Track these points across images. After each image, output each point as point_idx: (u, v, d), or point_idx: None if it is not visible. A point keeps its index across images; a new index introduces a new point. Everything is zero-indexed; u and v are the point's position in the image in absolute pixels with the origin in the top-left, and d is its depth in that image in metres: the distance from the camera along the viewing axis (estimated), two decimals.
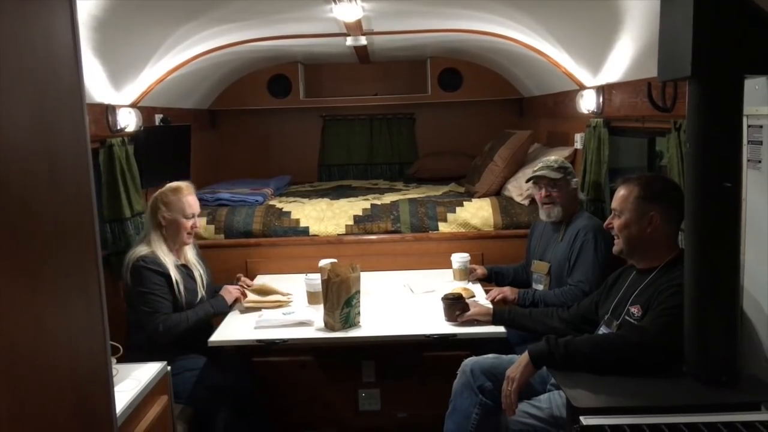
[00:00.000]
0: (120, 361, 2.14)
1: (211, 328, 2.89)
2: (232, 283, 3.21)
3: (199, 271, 3.00)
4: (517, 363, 2.15)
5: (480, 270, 3.39)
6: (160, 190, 2.96)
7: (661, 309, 2.05)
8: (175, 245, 2.93)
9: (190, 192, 2.96)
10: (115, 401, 1.23)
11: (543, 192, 3.08)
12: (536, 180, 3.12)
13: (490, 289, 3.19)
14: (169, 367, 2.25)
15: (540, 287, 3.13)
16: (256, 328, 2.81)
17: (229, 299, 3.03)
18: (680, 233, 2.27)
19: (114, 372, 1.98)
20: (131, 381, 2.06)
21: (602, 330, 2.32)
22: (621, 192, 2.29)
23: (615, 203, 2.30)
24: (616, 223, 2.28)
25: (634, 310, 2.19)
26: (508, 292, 3.11)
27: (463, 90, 5.38)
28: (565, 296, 2.90)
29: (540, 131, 4.59)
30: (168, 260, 2.83)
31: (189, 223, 2.92)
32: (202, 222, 3.12)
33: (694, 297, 1.85)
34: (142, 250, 2.82)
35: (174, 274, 2.81)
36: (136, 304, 2.77)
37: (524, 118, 5.46)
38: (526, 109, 5.42)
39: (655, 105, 2.48)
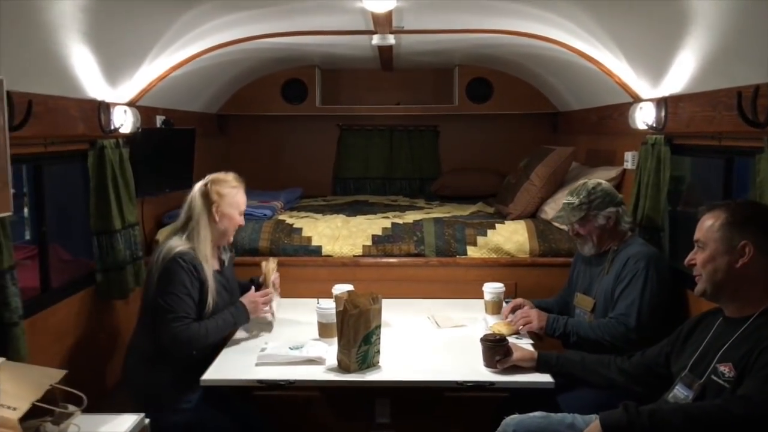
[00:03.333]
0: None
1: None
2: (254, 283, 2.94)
3: (231, 282, 2.80)
4: None
5: (536, 324, 2.74)
6: (210, 179, 2.67)
7: (767, 373, 1.63)
8: (214, 246, 2.67)
9: (242, 187, 2.74)
10: None
11: (571, 230, 2.84)
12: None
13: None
14: (147, 420, 1.84)
15: (586, 322, 2.75)
16: (257, 364, 2.47)
17: (253, 311, 2.70)
18: None
19: (74, 430, 1.57)
20: None
21: (679, 390, 1.93)
22: (706, 221, 1.92)
23: (698, 234, 1.94)
24: (699, 257, 1.91)
25: (725, 369, 1.80)
26: (535, 319, 2.72)
27: (492, 102, 5.15)
28: (603, 330, 2.57)
29: (579, 149, 4.24)
30: (208, 265, 2.57)
31: (241, 219, 2.72)
32: None
33: None
34: (181, 244, 2.53)
35: (210, 281, 2.56)
36: (158, 303, 2.47)
37: (559, 134, 5.19)
38: (562, 125, 5.14)
39: (746, 119, 2.08)
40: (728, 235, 1.84)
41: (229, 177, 2.71)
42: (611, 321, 2.57)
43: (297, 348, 2.53)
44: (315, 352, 2.51)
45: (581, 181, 2.88)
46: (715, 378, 1.81)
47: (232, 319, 2.63)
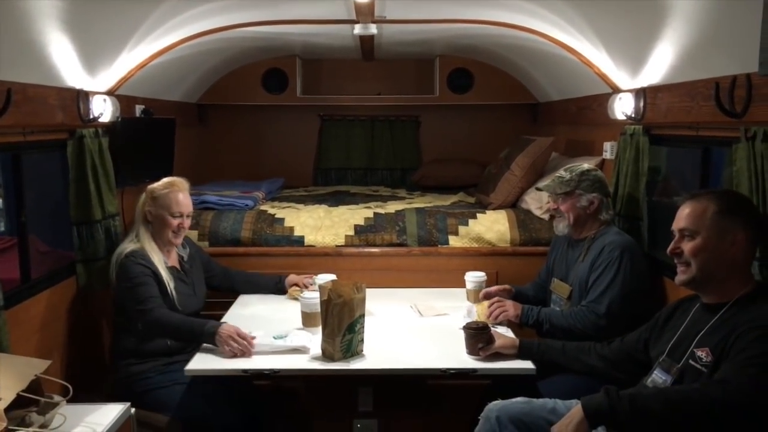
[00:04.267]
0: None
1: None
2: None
3: (192, 277, 2.87)
4: (567, 419, 1.77)
5: (512, 312, 2.77)
6: (154, 183, 2.83)
7: (744, 357, 1.69)
8: (163, 244, 2.80)
9: (183, 189, 2.83)
10: None
11: (551, 203, 2.90)
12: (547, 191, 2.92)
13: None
14: (133, 409, 1.84)
15: (558, 309, 2.81)
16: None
17: (223, 342, 2.43)
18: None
19: (60, 421, 1.56)
20: (83, 429, 1.64)
21: (657, 375, 1.97)
22: (690, 209, 1.92)
23: (683, 222, 1.92)
24: (687, 246, 1.90)
25: (702, 353, 1.84)
26: (510, 309, 2.75)
27: (473, 92, 5.13)
28: (574, 318, 2.62)
29: (558, 140, 4.26)
30: (157, 258, 2.72)
31: (175, 221, 2.76)
32: (189, 221, 2.86)
33: None
34: (129, 246, 2.72)
35: (164, 274, 2.69)
36: (126, 300, 2.64)
37: (539, 124, 5.20)
38: (542, 116, 5.15)
39: (723, 109, 2.12)
40: (721, 224, 1.85)
41: (170, 179, 2.82)
42: (582, 309, 2.61)
43: (281, 337, 2.52)
44: (299, 341, 2.51)
45: (579, 163, 2.93)
46: (692, 363, 1.84)
47: (198, 330, 2.48)
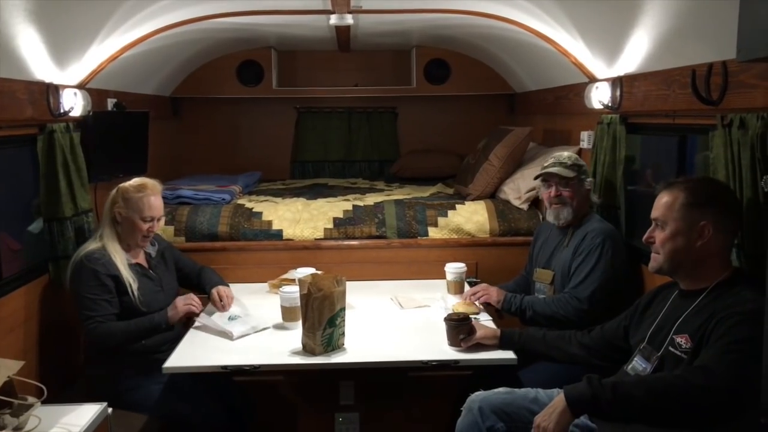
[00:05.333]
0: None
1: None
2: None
3: (160, 274, 2.80)
4: (550, 408, 1.77)
5: (495, 297, 2.83)
6: (125, 183, 2.74)
7: (724, 343, 1.70)
8: (129, 246, 2.72)
9: (155, 192, 2.73)
10: None
11: (553, 191, 2.78)
12: (546, 177, 2.81)
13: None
14: (110, 409, 1.79)
15: (541, 297, 2.82)
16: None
17: (173, 315, 2.67)
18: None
19: (35, 423, 1.52)
20: (59, 430, 1.60)
21: (637, 362, 1.98)
22: (664, 198, 1.94)
23: (656, 212, 1.95)
24: (658, 235, 1.93)
25: (681, 340, 1.85)
26: (494, 293, 2.79)
27: (450, 83, 5.12)
28: (557, 305, 2.63)
29: (536, 129, 4.27)
30: (119, 258, 2.63)
31: (145, 226, 2.68)
32: (160, 223, 2.78)
33: None
34: (91, 245, 2.64)
35: (126, 274, 2.60)
36: (76, 305, 2.58)
37: (516, 115, 5.21)
38: (519, 106, 5.15)
39: (700, 97, 2.13)
40: (688, 215, 1.86)
41: (142, 181, 2.74)
42: (564, 296, 2.63)
43: (234, 319, 2.67)
44: (231, 327, 2.59)
45: (556, 154, 2.89)
46: (672, 349, 1.85)
47: (148, 323, 2.61)
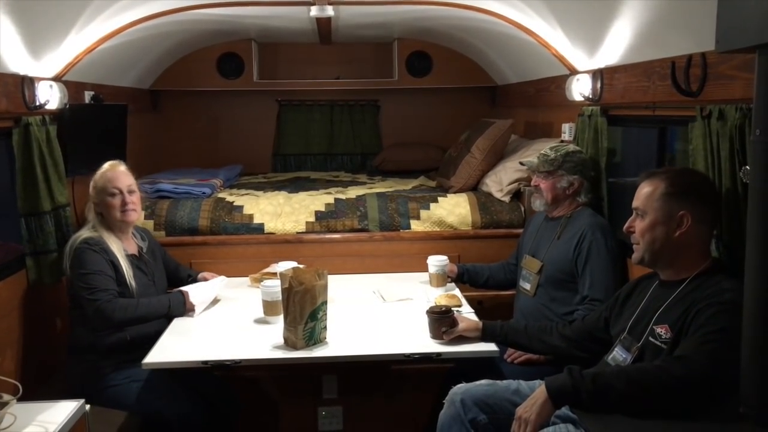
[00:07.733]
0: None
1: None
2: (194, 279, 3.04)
3: (151, 268, 2.83)
4: (531, 400, 1.77)
5: (449, 267, 3.06)
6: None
7: (703, 333, 1.72)
8: (120, 232, 2.75)
9: (113, 168, 2.77)
10: None
11: (534, 180, 2.88)
12: (527, 166, 2.93)
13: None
14: (88, 406, 1.77)
15: (527, 285, 2.84)
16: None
17: (188, 307, 2.75)
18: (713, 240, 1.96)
19: (10, 420, 1.49)
20: (36, 428, 1.57)
21: (618, 353, 1.99)
22: (645, 188, 1.96)
23: (637, 201, 1.97)
24: (638, 225, 1.95)
25: (661, 330, 1.86)
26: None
27: (432, 76, 5.09)
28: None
29: (517, 122, 4.28)
30: (116, 246, 2.67)
31: (116, 201, 2.70)
32: (134, 197, 2.77)
33: (754, 319, 1.48)
34: (86, 233, 2.66)
35: (123, 263, 2.65)
36: (78, 289, 2.56)
37: (497, 107, 5.22)
38: (500, 98, 5.16)
39: (680, 88, 2.14)
40: (667, 206, 1.87)
41: (101, 169, 2.77)
42: (587, 307, 2.55)
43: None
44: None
45: (566, 143, 2.93)
46: (652, 340, 1.86)
47: (168, 305, 2.68)
